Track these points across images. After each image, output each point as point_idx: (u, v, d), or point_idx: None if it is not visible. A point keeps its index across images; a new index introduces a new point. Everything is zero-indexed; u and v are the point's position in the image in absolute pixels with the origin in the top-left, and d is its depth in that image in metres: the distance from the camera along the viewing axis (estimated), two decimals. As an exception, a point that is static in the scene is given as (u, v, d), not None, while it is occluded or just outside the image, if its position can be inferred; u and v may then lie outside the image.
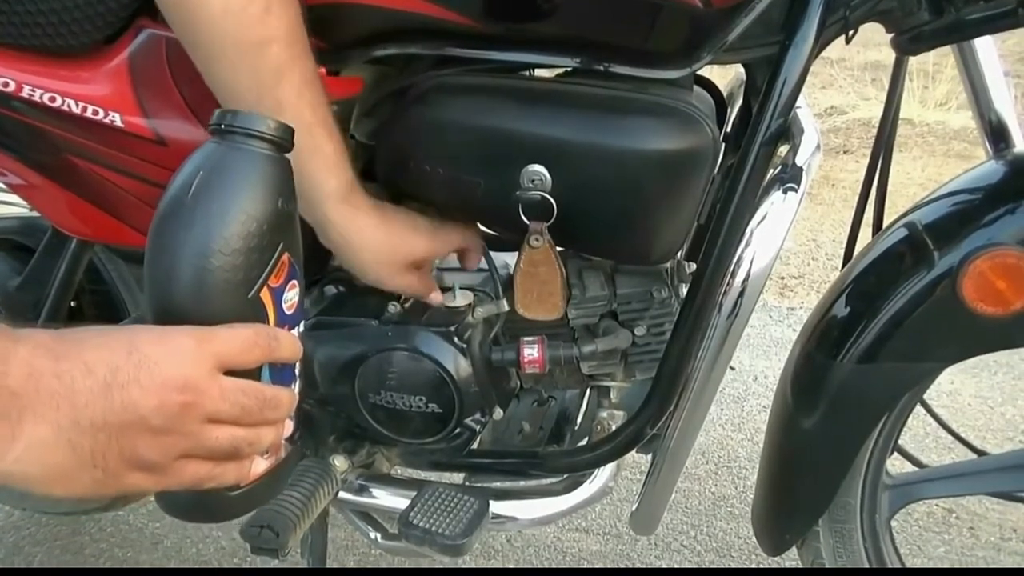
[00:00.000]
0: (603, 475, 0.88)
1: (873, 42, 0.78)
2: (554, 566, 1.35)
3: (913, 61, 0.95)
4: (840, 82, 4.11)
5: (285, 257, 0.53)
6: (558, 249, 0.80)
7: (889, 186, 0.97)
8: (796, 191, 0.71)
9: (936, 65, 3.58)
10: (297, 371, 0.57)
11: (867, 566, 0.91)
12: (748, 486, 1.52)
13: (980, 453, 1.06)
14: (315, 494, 0.81)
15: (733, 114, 0.91)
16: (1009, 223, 0.73)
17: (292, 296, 0.55)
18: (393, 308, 0.84)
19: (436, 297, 0.83)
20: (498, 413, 0.86)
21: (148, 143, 0.75)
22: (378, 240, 0.75)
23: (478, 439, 0.88)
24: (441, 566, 1.32)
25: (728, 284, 0.72)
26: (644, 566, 1.35)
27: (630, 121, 0.72)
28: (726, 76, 0.96)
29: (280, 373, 0.54)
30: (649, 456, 0.87)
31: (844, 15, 0.72)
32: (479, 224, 0.89)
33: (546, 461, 0.89)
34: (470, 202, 0.80)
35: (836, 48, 0.78)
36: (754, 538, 0.97)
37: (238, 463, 0.51)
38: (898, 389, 0.82)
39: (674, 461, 0.83)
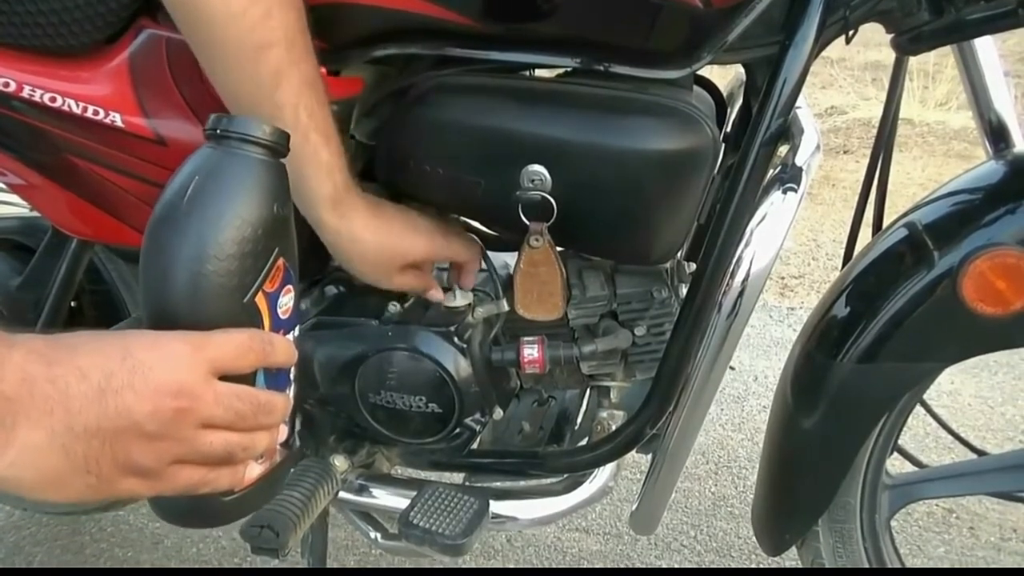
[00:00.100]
0: (603, 475, 0.88)
1: (873, 42, 0.78)
2: (554, 566, 1.35)
3: (913, 61, 0.95)
4: (840, 82, 4.11)
5: (280, 262, 0.53)
6: (558, 249, 0.80)
7: (889, 186, 0.97)
8: (796, 191, 0.71)
9: (936, 65, 3.58)
10: (292, 376, 0.56)
11: (867, 566, 0.91)
12: (748, 486, 1.52)
13: (980, 453, 1.06)
14: (315, 494, 0.81)
15: (733, 114, 0.91)
16: (1009, 223, 0.73)
17: (287, 301, 0.55)
18: (393, 308, 0.84)
19: (436, 294, 0.82)
20: (498, 413, 0.86)
21: (148, 143, 0.75)
22: (375, 242, 0.75)
23: (478, 439, 0.89)
24: (441, 566, 1.32)
25: (728, 284, 0.72)
26: (644, 566, 1.35)
27: (630, 121, 0.72)
28: (726, 76, 0.96)
29: (275, 378, 0.54)
30: (649, 456, 0.87)
31: (844, 15, 0.72)
32: (479, 224, 0.89)
33: (546, 461, 0.89)
34: (470, 202, 0.80)
35: (836, 48, 0.78)
36: (754, 538, 0.97)
37: (232, 468, 0.51)
38: (898, 389, 0.82)
39: (674, 461, 0.83)
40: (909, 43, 0.76)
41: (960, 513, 1.43)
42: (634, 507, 0.89)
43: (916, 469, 1.04)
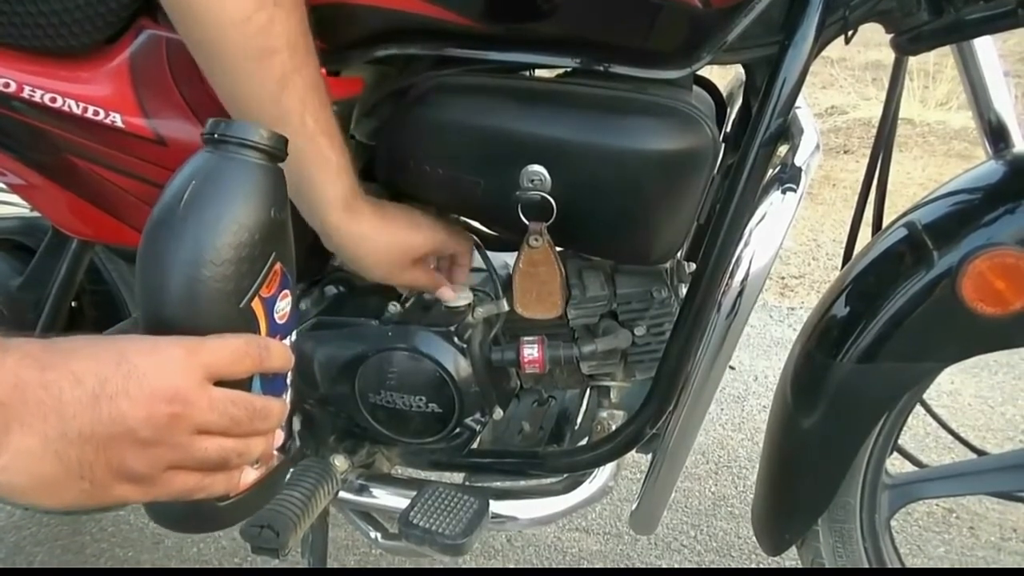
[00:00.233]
0: (603, 475, 0.88)
1: (874, 42, 0.78)
2: (554, 566, 1.35)
3: (914, 61, 0.95)
4: (841, 82, 4.12)
5: (277, 267, 0.52)
6: (558, 249, 0.80)
7: (889, 186, 0.97)
8: (795, 191, 0.71)
9: (937, 65, 3.58)
10: (289, 380, 0.56)
11: (867, 566, 0.91)
12: (748, 486, 1.52)
13: (980, 453, 1.06)
14: (315, 494, 0.81)
15: (733, 114, 0.91)
16: (1008, 223, 0.73)
17: (284, 306, 0.54)
18: (393, 308, 0.84)
19: (446, 292, 0.82)
20: (498, 413, 0.86)
21: (148, 143, 0.76)
22: (382, 241, 0.75)
23: (478, 439, 0.89)
24: (441, 566, 1.32)
25: (727, 284, 0.73)
26: (644, 566, 1.35)
27: (630, 121, 0.72)
28: (726, 76, 0.96)
29: (271, 383, 0.53)
30: (649, 456, 0.88)
31: (843, 15, 0.72)
32: (479, 224, 0.89)
33: (546, 461, 0.89)
34: (470, 202, 0.80)
35: (837, 48, 0.78)
36: (754, 538, 0.97)
37: (227, 474, 0.51)
38: (897, 389, 0.82)
39: (674, 460, 0.83)
40: (909, 43, 0.76)
41: (960, 513, 1.43)
42: (634, 507, 0.90)
43: (916, 469, 1.04)
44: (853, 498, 0.89)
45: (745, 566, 1.34)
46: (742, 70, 0.83)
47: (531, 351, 0.82)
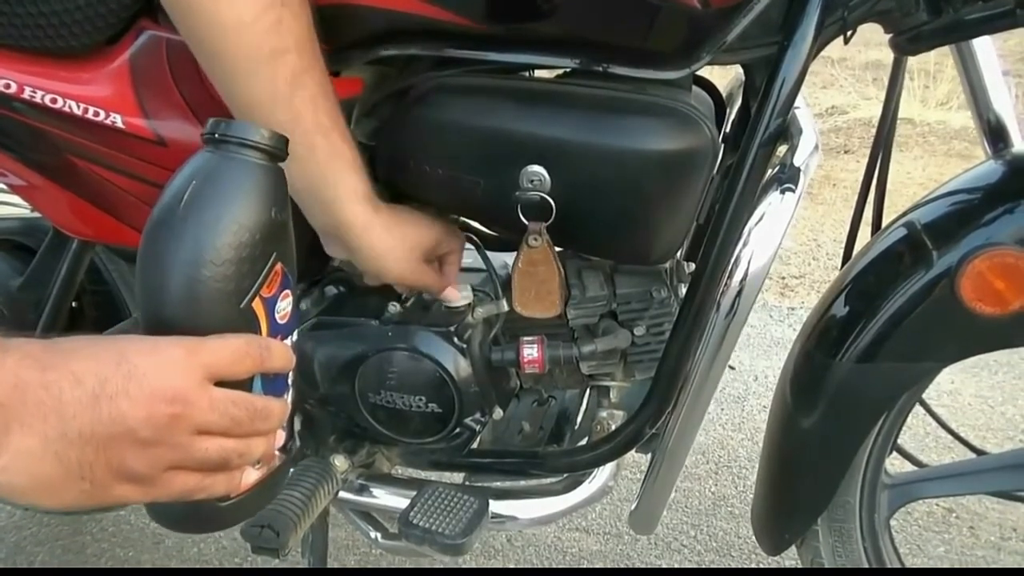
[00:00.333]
0: (603, 475, 0.89)
1: (874, 41, 0.78)
2: (554, 566, 1.35)
3: (915, 61, 0.95)
4: (841, 81, 4.11)
5: (278, 267, 0.52)
6: (557, 249, 0.80)
7: (890, 186, 0.97)
8: (794, 191, 0.72)
9: (937, 65, 3.58)
10: (290, 381, 0.56)
11: (866, 565, 0.91)
12: (748, 486, 1.52)
13: (979, 452, 1.06)
14: (315, 494, 0.82)
15: (732, 114, 0.91)
16: (1007, 223, 0.73)
17: (285, 306, 0.54)
18: (393, 308, 0.84)
19: (451, 292, 0.83)
20: (498, 413, 0.86)
21: (149, 144, 0.76)
22: (396, 237, 0.75)
23: (478, 439, 0.89)
24: (442, 566, 1.32)
25: (726, 284, 0.73)
26: (644, 566, 1.35)
27: (629, 122, 0.72)
28: (726, 77, 0.96)
29: (272, 383, 0.53)
30: (649, 455, 0.88)
31: (842, 15, 0.72)
32: (478, 224, 0.89)
33: (546, 461, 0.89)
34: (469, 202, 0.80)
35: (837, 47, 0.78)
36: (754, 538, 0.97)
37: (228, 474, 0.51)
38: (897, 388, 0.82)
39: (673, 460, 0.83)
40: (908, 43, 0.76)
41: (960, 512, 1.43)
42: (633, 506, 0.90)
43: (915, 468, 1.04)
44: (852, 498, 0.89)
45: (745, 566, 1.34)
46: (741, 70, 0.83)
47: (531, 351, 0.82)
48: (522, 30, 0.73)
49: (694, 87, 0.83)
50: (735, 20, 0.69)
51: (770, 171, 0.75)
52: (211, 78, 0.67)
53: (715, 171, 0.79)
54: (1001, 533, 1.38)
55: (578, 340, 0.86)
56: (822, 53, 0.75)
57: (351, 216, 0.72)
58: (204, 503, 0.51)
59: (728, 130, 0.90)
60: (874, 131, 0.97)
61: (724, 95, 0.91)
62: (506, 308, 0.85)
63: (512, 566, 1.35)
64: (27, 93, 0.74)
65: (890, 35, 0.78)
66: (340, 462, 0.88)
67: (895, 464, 0.97)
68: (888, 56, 0.85)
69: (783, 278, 2.43)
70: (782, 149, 0.75)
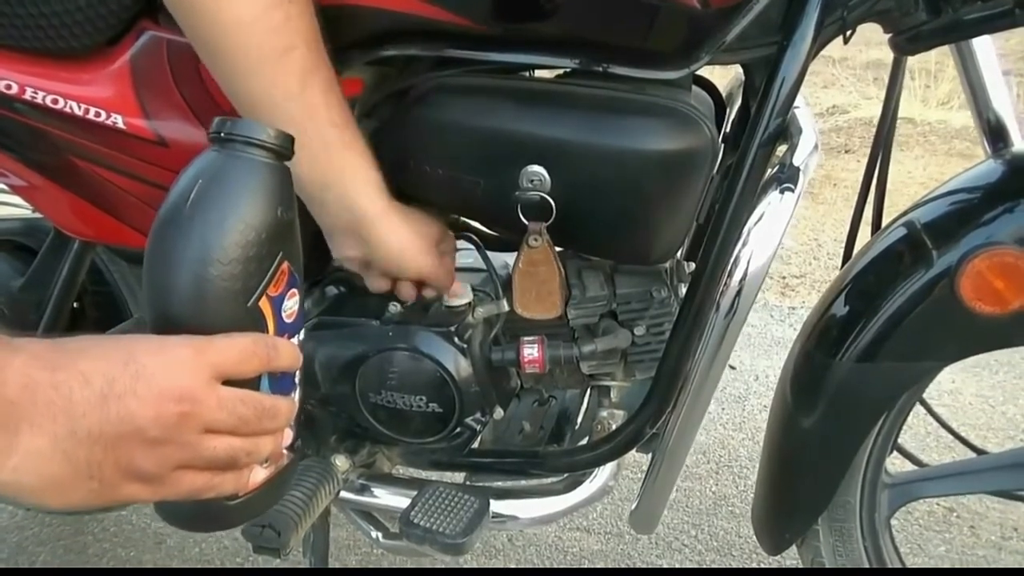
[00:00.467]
0: (603, 474, 0.89)
1: (875, 41, 0.78)
2: (555, 566, 1.35)
3: (916, 60, 0.95)
4: (842, 81, 4.11)
5: (285, 266, 0.52)
6: (558, 249, 0.80)
7: (891, 185, 0.97)
8: (793, 191, 0.72)
9: (938, 64, 3.58)
10: (297, 379, 0.56)
11: (866, 565, 0.92)
12: (749, 485, 1.52)
13: (980, 452, 1.06)
14: (316, 494, 0.82)
15: (732, 114, 0.91)
16: (1007, 222, 0.73)
17: (292, 305, 0.54)
18: (393, 308, 0.84)
19: (457, 288, 0.83)
20: (498, 413, 0.86)
21: (150, 145, 0.76)
22: (412, 228, 0.75)
23: (479, 439, 0.89)
24: (443, 565, 1.33)
25: (726, 283, 0.73)
26: (645, 565, 1.35)
27: (629, 122, 0.73)
28: (726, 77, 0.96)
29: (279, 382, 0.54)
30: (649, 455, 0.88)
31: (842, 15, 0.72)
32: (479, 224, 0.89)
33: (546, 460, 0.89)
34: (469, 202, 0.80)
35: (838, 47, 0.78)
36: (754, 537, 0.97)
37: (236, 473, 0.51)
38: (897, 388, 0.82)
39: (673, 460, 0.84)
40: (907, 43, 0.76)
41: (961, 512, 1.43)
42: (634, 506, 0.90)
43: (916, 468, 1.04)
44: (853, 497, 0.89)
45: (746, 566, 1.34)
46: (741, 70, 0.83)
47: (531, 351, 0.83)
48: (522, 30, 0.73)
49: (694, 87, 0.83)
50: (735, 20, 0.69)
51: (770, 171, 0.75)
52: (217, 77, 0.67)
53: (715, 171, 0.79)
54: (1002, 532, 1.38)
55: (578, 340, 0.86)
56: (822, 52, 0.75)
57: (370, 208, 0.72)
58: (212, 502, 0.51)
59: (728, 130, 0.90)
60: (875, 130, 0.97)
61: (724, 95, 0.91)
62: (506, 308, 0.85)
63: (513, 566, 1.35)
64: (28, 94, 0.74)
65: (889, 35, 0.78)
66: (341, 462, 0.88)
67: (895, 464, 0.97)
68: (889, 55, 0.85)
69: (784, 278, 2.43)
70: (782, 149, 0.75)
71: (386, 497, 0.91)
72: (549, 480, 0.91)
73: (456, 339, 0.81)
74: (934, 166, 3.23)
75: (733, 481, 1.54)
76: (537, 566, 1.35)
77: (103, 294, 1.13)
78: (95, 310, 1.15)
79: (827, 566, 0.93)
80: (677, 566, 1.35)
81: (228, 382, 0.48)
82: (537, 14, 0.70)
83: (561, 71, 0.77)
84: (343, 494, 0.91)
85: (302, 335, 0.58)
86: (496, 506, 0.87)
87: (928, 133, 3.58)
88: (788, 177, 0.72)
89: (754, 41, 0.73)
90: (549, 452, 0.90)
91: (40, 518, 1.47)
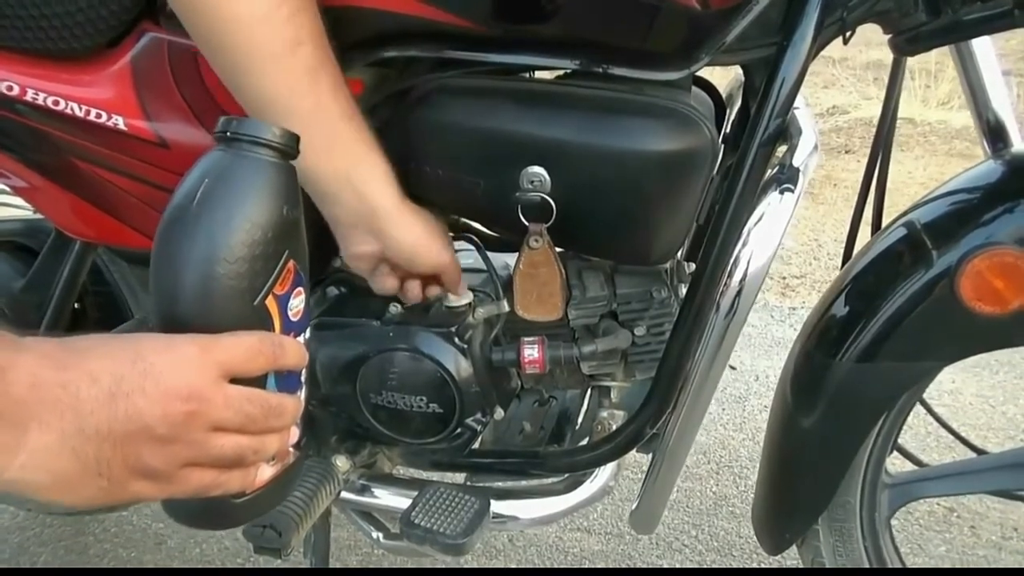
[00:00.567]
0: (604, 474, 0.89)
1: (875, 41, 0.78)
2: (556, 566, 1.36)
3: (916, 60, 0.95)
4: (842, 81, 4.11)
5: (290, 265, 0.53)
6: (558, 250, 0.81)
7: (891, 185, 0.98)
8: (793, 192, 0.72)
9: (939, 64, 3.58)
10: (303, 378, 0.57)
11: (866, 565, 0.92)
12: (749, 486, 1.52)
13: (980, 452, 1.06)
14: (317, 494, 0.82)
15: (732, 115, 0.91)
16: (1006, 222, 0.73)
17: (298, 303, 0.55)
18: (394, 309, 0.84)
19: (463, 287, 0.83)
20: (499, 413, 0.86)
21: (151, 146, 0.76)
22: (424, 220, 0.75)
23: (479, 439, 0.89)
24: (443, 566, 1.33)
25: (726, 284, 0.73)
26: (646, 566, 1.35)
27: (629, 122, 0.73)
28: (726, 77, 0.96)
29: (286, 380, 0.54)
30: (650, 455, 0.88)
31: (841, 16, 0.72)
32: (479, 225, 0.89)
33: (547, 461, 0.89)
34: (470, 203, 0.80)
35: (838, 47, 0.78)
36: (755, 537, 0.97)
37: (243, 470, 0.51)
38: (897, 388, 0.82)
39: (673, 460, 0.84)
40: (907, 44, 0.76)
41: (961, 512, 1.43)
42: (634, 506, 0.90)
43: (916, 468, 1.04)
44: (853, 497, 0.89)
45: (746, 566, 1.34)
46: (741, 71, 0.83)
47: (531, 351, 0.83)
48: (522, 31, 0.73)
49: (694, 88, 0.83)
50: (734, 21, 0.69)
51: (770, 171, 0.75)
52: (224, 76, 0.67)
53: (715, 171, 0.79)
54: (1002, 532, 1.38)
55: (578, 340, 0.87)
56: (823, 53, 0.75)
57: (385, 199, 0.72)
58: (219, 499, 0.52)
59: (728, 131, 0.90)
60: (875, 131, 0.97)
61: (724, 96, 0.91)
62: (507, 308, 0.85)
63: (514, 566, 1.35)
64: (29, 95, 0.74)
65: (889, 35, 0.78)
66: (342, 462, 0.88)
67: (896, 464, 0.97)
68: (889, 55, 0.86)
69: (784, 278, 2.43)
70: (782, 149, 0.75)
71: (387, 497, 0.92)
72: (549, 480, 0.92)
73: (457, 340, 0.82)
74: (934, 166, 3.23)
75: (733, 481, 1.54)
76: (538, 566, 1.35)
77: (104, 295, 1.13)
78: (96, 311, 1.15)
79: (827, 566, 0.93)
80: (677, 566, 1.35)
81: (235, 380, 0.48)
82: (537, 15, 0.70)
83: (561, 72, 0.77)
84: (344, 494, 0.91)
85: (308, 333, 0.58)
86: (497, 506, 0.87)
87: (928, 133, 3.58)
88: (788, 178, 0.72)
89: (754, 42, 0.73)
90: (549, 452, 0.90)
91: (41, 519, 1.47)
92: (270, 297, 0.52)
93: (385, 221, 0.73)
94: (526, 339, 0.84)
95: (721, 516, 1.45)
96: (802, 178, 0.72)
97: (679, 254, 0.92)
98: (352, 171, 0.70)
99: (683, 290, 0.87)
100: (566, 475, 0.91)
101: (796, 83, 0.70)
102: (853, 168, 3.25)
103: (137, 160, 0.77)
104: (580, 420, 0.97)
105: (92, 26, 0.72)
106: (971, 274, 0.72)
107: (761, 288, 0.74)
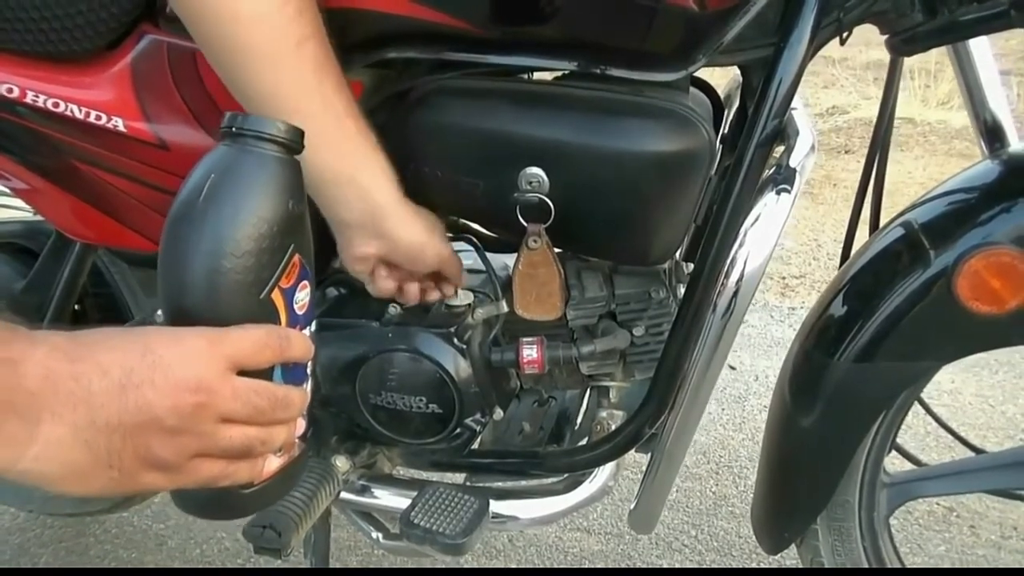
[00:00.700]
0: (603, 474, 0.89)
1: (875, 41, 0.79)
2: (556, 566, 1.36)
3: (915, 60, 0.95)
4: (842, 81, 4.12)
5: (296, 258, 0.53)
6: (557, 250, 0.81)
7: (890, 185, 0.98)
8: (790, 192, 0.72)
9: (938, 64, 3.58)
10: (309, 370, 0.57)
11: (865, 564, 0.92)
12: (749, 486, 1.52)
13: (978, 451, 1.06)
14: (317, 494, 0.82)
15: (730, 116, 0.91)
16: (1004, 222, 0.73)
17: (303, 296, 0.56)
18: (393, 310, 0.85)
19: (463, 278, 0.83)
20: (498, 413, 0.86)
21: (150, 147, 0.76)
22: (425, 218, 0.76)
23: (479, 439, 0.89)
24: (443, 566, 1.33)
25: (723, 284, 0.73)
26: (645, 566, 1.35)
27: (627, 123, 0.73)
28: (724, 78, 0.97)
29: (292, 372, 0.55)
30: (648, 455, 0.88)
31: (838, 17, 0.73)
32: (478, 225, 0.89)
33: (546, 461, 0.89)
34: (469, 204, 0.81)
35: (838, 47, 0.78)
36: (754, 537, 0.97)
37: (251, 462, 0.52)
38: (895, 387, 0.82)
39: (671, 459, 0.84)
40: (904, 44, 0.76)
41: (961, 511, 1.43)
42: (632, 506, 0.90)
43: (915, 467, 1.04)
44: (852, 497, 0.89)
45: (746, 566, 1.34)
46: (739, 72, 0.84)
47: (530, 352, 0.83)
48: (520, 33, 0.73)
49: (692, 88, 0.84)
50: (732, 22, 0.69)
51: (767, 172, 0.75)
52: (228, 76, 0.67)
53: (713, 172, 0.79)
54: (1002, 532, 1.39)
55: (577, 341, 0.87)
56: (822, 53, 0.75)
57: (388, 197, 0.72)
58: (227, 490, 0.53)
59: (726, 131, 0.90)
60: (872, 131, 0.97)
61: (722, 96, 0.91)
62: (506, 309, 0.85)
63: (513, 566, 1.35)
64: (29, 97, 0.75)
65: (886, 36, 0.78)
66: (341, 463, 0.89)
67: (894, 463, 0.97)
68: (888, 56, 0.86)
69: (783, 278, 2.43)
70: (779, 150, 0.75)
71: (386, 498, 0.92)
72: (549, 480, 0.92)
73: (456, 340, 0.82)
74: (934, 166, 3.24)
75: (733, 481, 1.55)
76: (537, 566, 1.35)
77: (104, 296, 1.14)
78: (96, 312, 1.15)
79: (826, 566, 0.93)
80: (677, 566, 1.35)
81: (242, 373, 0.49)
82: (535, 17, 0.71)
83: (559, 73, 0.77)
84: (344, 495, 0.91)
85: (314, 326, 0.59)
86: (496, 506, 0.87)
87: (928, 133, 3.58)
88: (785, 178, 0.72)
89: (751, 43, 0.73)
90: (549, 452, 0.91)
91: (42, 521, 1.48)
92: (276, 290, 0.52)
93: (386, 220, 0.73)
94: (525, 339, 0.84)
95: (720, 516, 1.46)
96: (799, 178, 0.72)
97: (677, 254, 0.92)
98: (357, 170, 0.70)
99: (681, 290, 0.87)
100: (565, 475, 0.91)
101: (793, 84, 0.70)
102: (853, 168, 3.25)
103: (137, 162, 0.78)
104: (579, 420, 0.98)
105: (92, 28, 0.72)
106: (968, 274, 0.72)
107: (759, 288, 0.74)
